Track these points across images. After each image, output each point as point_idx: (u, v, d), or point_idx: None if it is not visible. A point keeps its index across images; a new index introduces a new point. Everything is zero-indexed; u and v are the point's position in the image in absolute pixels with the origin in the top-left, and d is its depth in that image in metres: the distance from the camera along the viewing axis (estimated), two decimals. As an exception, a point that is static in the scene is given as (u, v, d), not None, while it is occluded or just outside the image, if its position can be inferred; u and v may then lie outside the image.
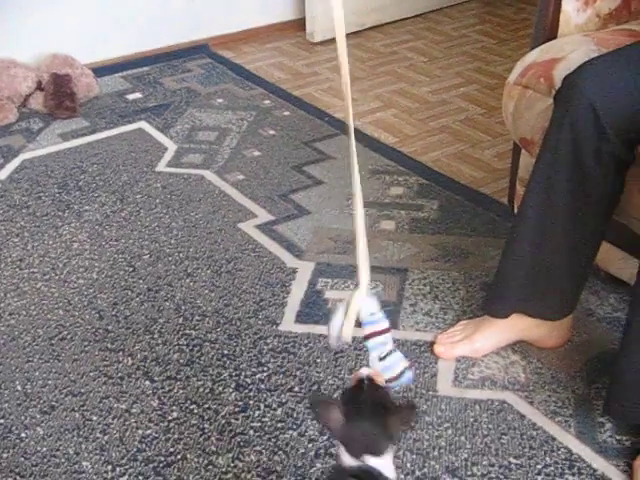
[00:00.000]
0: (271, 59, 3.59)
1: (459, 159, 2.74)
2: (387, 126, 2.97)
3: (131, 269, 2.20)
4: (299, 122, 2.98)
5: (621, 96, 1.60)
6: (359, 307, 1.44)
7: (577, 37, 2.00)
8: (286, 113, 3.05)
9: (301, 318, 2.01)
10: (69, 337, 1.98)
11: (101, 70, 3.34)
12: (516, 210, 1.96)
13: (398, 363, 1.42)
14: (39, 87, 3.12)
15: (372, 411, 1.26)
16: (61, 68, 3.12)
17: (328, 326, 1.45)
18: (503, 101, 2.06)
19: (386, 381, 1.37)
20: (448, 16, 4.08)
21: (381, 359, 1.42)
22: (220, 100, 3.17)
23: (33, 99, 3.10)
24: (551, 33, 2.08)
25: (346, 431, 1.25)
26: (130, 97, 3.21)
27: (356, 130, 2.88)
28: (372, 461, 1.23)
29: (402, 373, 1.41)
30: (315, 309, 2.04)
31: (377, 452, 1.24)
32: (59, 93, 3.04)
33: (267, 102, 3.15)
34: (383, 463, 1.24)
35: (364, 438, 1.24)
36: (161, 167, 2.70)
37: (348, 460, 1.23)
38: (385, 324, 1.45)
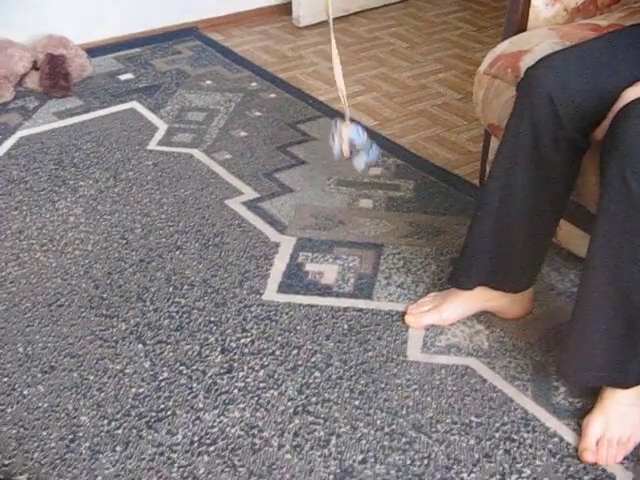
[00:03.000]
0: (258, 42, 3.71)
1: (435, 142, 2.89)
2: (368, 109, 3.11)
3: (124, 241, 2.34)
4: (284, 104, 3.12)
5: (577, 88, 1.73)
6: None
7: (544, 30, 2.13)
8: (272, 95, 3.19)
9: (283, 288, 2.16)
10: (67, 304, 2.11)
11: (94, 51, 3.46)
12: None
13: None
14: (35, 67, 3.22)
15: None
16: (56, 49, 3.23)
17: (332, 140, 1.99)
18: (474, 89, 2.19)
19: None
20: (430, 2, 4.21)
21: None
22: (209, 82, 3.30)
23: (29, 78, 3.21)
24: (521, 26, 2.20)
25: None
26: (122, 77, 3.33)
27: (338, 113, 3.04)
28: None
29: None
30: (296, 280, 2.18)
31: None
32: (54, 73, 3.15)
33: (254, 84, 3.28)
34: None
35: None
36: (152, 145, 2.83)
37: None
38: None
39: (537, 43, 2.05)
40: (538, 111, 1.75)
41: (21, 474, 1.65)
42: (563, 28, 2.14)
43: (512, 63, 2.06)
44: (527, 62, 1.92)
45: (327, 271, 2.22)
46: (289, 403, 1.82)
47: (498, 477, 1.66)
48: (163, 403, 1.83)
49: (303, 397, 1.84)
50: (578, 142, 1.77)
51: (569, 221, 2.08)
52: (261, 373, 1.90)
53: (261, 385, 1.87)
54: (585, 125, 1.76)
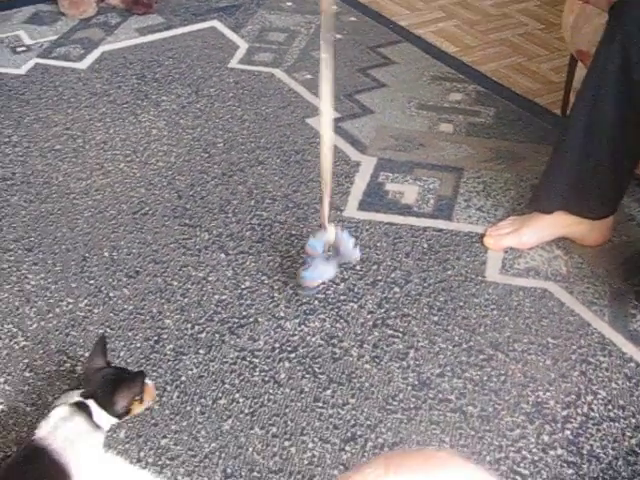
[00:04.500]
0: (338, -34, 3.69)
1: (516, 71, 2.87)
2: (449, 36, 3.09)
3: (206, 155, 2.38)
4: (365, 28, 3.11)
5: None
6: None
7: (638, -44, 2.11)
8: (352, 19, 3.18)
9: (363, 206, 2.18)
10: (150, 212, 2.16)
11: (175, -31, 3.47)
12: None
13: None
14: (117, -17, 3.26)
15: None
16: (139, -35, 3.25)
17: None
18: (564, 14, 2.18)
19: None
20: None
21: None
22: (289, 3, 3.29)
23: (111, -6, 3.25)
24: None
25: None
26: (203, -4, 3.35)
27: (419, 38, 3.02)
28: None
29: None
30: (376, 199, 2.20)
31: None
32: (136, -11, 3.19)
33: (334, 7, 3.26)
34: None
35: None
36: (233, 64, 2.85)
37: None
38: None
39: (632, -32, 2.02)
40: (630, 35, 1.74)
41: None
42: (659, -46, 2.10)
43: (605, -12, 2.03)
44: (622, -13, 1.90)
45: (407, 191, 2.24)
46: (369, 316, 1.86)
47: (573, 397, 1.68)
48: (245, 310, 1.87)
49: (382, 311, 1.87)
50: (670, 68, 1.76)
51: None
52: (341, 286, 1.93)
53: (341, 298, 1.90)
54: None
